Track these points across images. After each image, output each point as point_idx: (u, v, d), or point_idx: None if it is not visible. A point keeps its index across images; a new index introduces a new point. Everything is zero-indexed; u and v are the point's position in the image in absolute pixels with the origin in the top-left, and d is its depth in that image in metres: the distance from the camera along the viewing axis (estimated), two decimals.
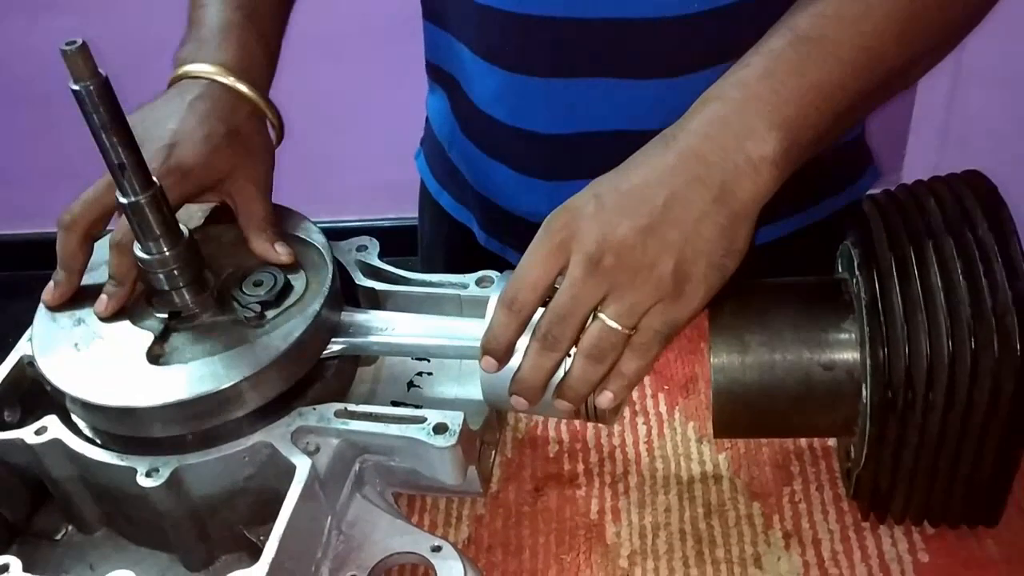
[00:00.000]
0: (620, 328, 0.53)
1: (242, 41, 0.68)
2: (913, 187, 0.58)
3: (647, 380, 0.73)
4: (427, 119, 0.93)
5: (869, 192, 0.62)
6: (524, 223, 0.83)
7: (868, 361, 0.54)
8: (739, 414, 0.58)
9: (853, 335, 0.56)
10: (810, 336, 0.56)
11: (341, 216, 2.05)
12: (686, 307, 0.52)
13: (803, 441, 0.67)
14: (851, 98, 0.54)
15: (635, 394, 0.73)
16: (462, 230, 0.91)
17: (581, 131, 0.76)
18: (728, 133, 0.52)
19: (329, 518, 0.59)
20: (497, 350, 0.56)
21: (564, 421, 0.71)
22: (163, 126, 0.63)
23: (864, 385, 0.55)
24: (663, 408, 0.71)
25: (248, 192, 0.64)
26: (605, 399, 0.55)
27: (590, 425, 0.71)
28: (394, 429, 0.58)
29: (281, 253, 0.63)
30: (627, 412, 0.72)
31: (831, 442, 0.67)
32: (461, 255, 0.92)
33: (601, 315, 0.53)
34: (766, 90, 0.52)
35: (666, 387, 0.73)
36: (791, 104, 0.52)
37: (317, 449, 0.59)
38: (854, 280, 0.57)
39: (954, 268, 0.52)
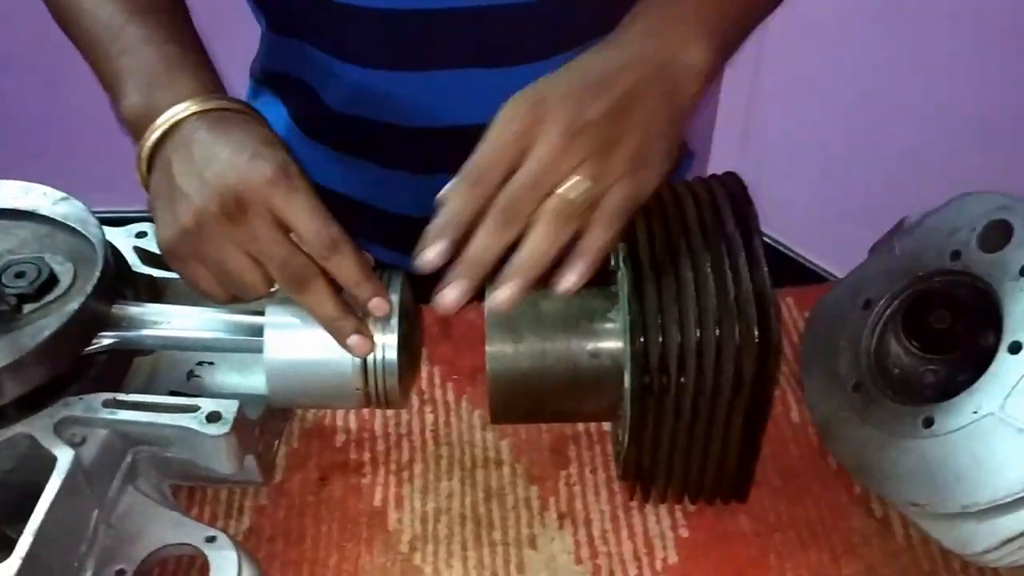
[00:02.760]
0: (587, 197, 0.52)
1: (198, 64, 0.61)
2: (676, 187, 0.62)
3: (436, 370, 0.75)
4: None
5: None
6: (387, 216, 0.83)
7: (629, 349, 0.57)
8: (513, 400, 0.60)
9: (618, 324, 0.59)
10: (579, 326, 0.59)
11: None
12: (645, 185, 0.54)
13: (580, 426, 0.71)
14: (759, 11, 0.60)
15: (424, 383, 0.74)
16: (340, 201, 0.89)
17: (451, 123, 0.77)
18: (665, 43, 0.56)
19: (96, 511, 0.57)
20: (455, 229, 0.52)
21: (353, 411, 0.72)
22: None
23: (626, 371, 0.58)
24: (451, 397, 0.73)
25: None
26: (569, 280, 0.53)
27: (378, 414, 0.71)
28: (165, 418, 0.57)
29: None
30: (416, 401, 0.73)
31: (606, 427, 0.70)
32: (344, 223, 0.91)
33: (568, 182, 0.52)
34: (692, 4, 0.58)
35: (455, 376, 0.74)
36: (713, 18, 0.58)
37: (83, 440, 0.57)
38: (619, 272, 0.60)
39: (704, 262, 0.56)
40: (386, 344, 0.58)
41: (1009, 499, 0.55)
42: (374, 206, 0.85)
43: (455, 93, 0.76)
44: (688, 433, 0.58)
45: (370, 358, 0.58)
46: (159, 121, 0.56)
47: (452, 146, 0.76)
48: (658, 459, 0.60)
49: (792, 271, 1.82)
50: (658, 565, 0.62)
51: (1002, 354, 0.58)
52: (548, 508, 0.66)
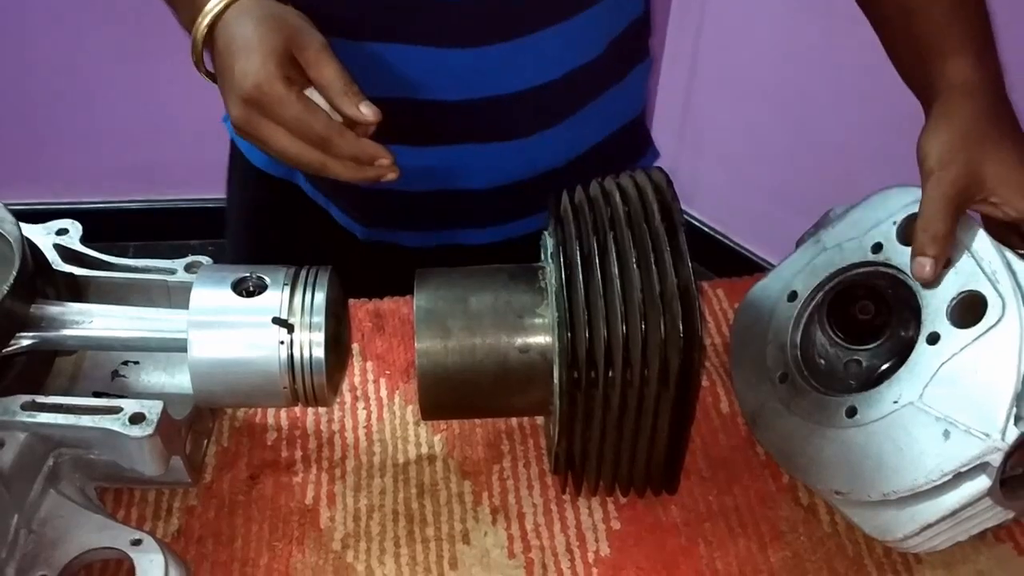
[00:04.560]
0: None
1: None
2: (604, 183, 0.62)
3: (369, 366, 0.74)
4: None
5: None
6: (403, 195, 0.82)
7: (557, 344, 0.57)
8: (443, 396, 0.60)
9: (547, 320, 0.59)
10: (507, 321, 0.59)
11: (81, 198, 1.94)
12: None
13: (514, 421, 0.71)
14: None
15: (357, 379, 0.73)
16: (282, 187, 0.89)
17: (404, 96, 0.75)
18: None
19: (16, 516, 0.56)
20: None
21: (284, 410, 0.71)
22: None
23: (555, 366, 0.58)
24: (384, 393, 0.73)
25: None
26: None
27: (310, 411, 0.71)
28: (87, 420, 0.56)
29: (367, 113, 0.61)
30: (348, 397, 0.72)
31: (540, 421, 0.71)
32: (286, 213, 0.90)
33: None
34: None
35: (388, 372, 0.74)
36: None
37: (1, 444, 0.55)
38: (548, 268, 0.60)
39: (630, 257, 0.56)
40: (313, 342, 0.58)
41: (927, 486, 0.56)
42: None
43: (403, 69, 0.74)
44: (617, 426, 0.58)
45: (296, 356, 0.57)
46: (207, 8, 0.63)
47: (400, 119, 0.74)
48: (588, 452, 0.60)
49: (728, 259, 1.84)
50: (590, 557, 0.63)
51: (921, 345, 0.59)
52: (481, 503, 0.66)
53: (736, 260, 1.84)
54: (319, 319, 0.58)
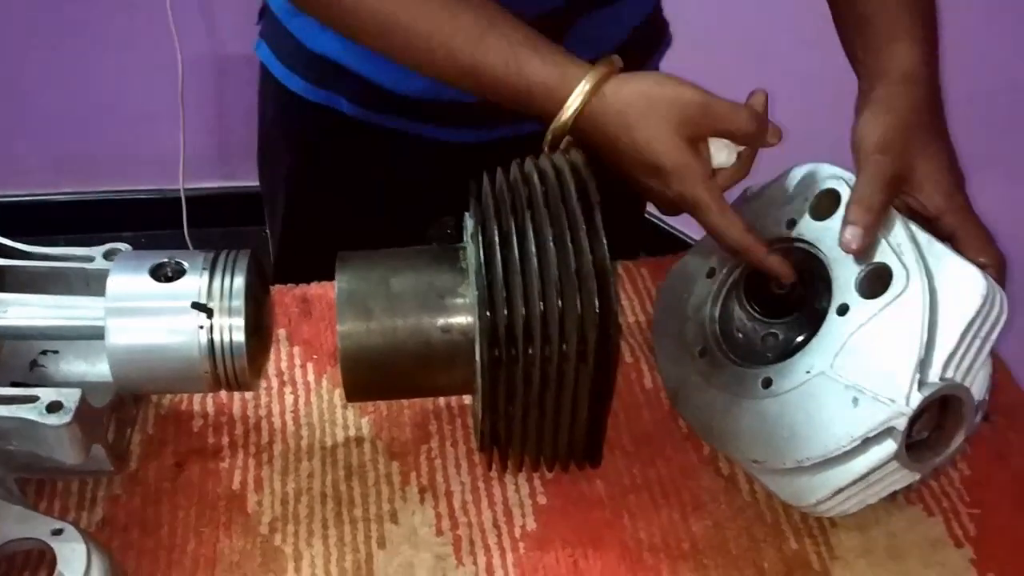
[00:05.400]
0: None
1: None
2: (524, 164, 0.63)
3: (296, 350, 0.75)
4: (271, 12, 0.88)
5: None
6: (412, 100, 0.81)
7: (478, 323, 0.58)
8: (366, 377, 0.61)
9: (468, 299, 0.60)
10: (429, 301, 0.60)
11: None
12: None
13: (442, 401, 0.71)
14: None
15: (284, 364, 0.73)
16: (319, 110, 0.86)
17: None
18: None
19: None
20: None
21: (210, 396, 0.71)
22: None
23: (476, 345, 0.59)
24: (311, 377, 0.73)
25: None
26: None
27: (236, 397, 0.71)
28: (3, 411, 0.55)
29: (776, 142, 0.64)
30: (275, 382, 0.72)
31: (467, 400, 0.72)
32: (321, 136, 0.88)
33: None
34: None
35: (315, 356, 0.74)
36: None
37: None
38: (468, 248, 0.61)
39: (548, 236, 0.57)
40: (233, 326, 0.58)
41: (837, 452, 0.58)
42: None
43: None
44: (539, 402, 0.59)
45: (217, 340, 0.57)
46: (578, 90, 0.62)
47: None
48: (513, 428, 0.61)
49: (657, 237, 1.85)
50: (517, 532, 0.64)
51: (831, 316, 0.61)
52: (409, 483, 0.67)
53: (663, 238, 1.85)
54: (239, 303, 0.58)
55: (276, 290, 0.79)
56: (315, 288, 0.79)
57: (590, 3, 0.79)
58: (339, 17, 0.68)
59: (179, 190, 1.90)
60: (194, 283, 0.58)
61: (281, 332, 0.76)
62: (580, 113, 0.62)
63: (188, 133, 1.85)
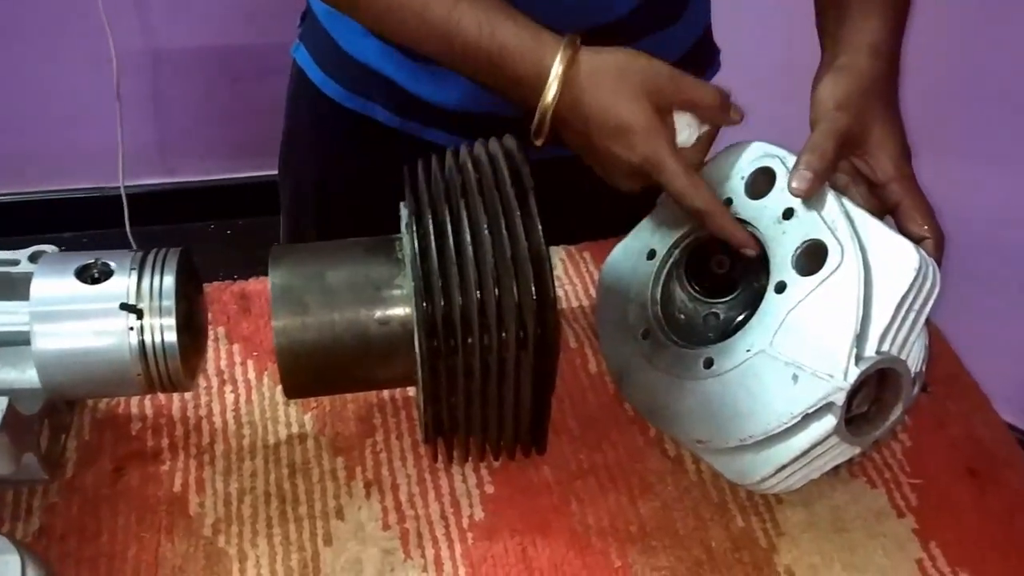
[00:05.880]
0: None
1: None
2: (458, 151, 0.62)
3: (236, 348, 0.73)
4: (312, 15, 0.87)
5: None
6: (448, 111, 0.82)
7: (415, 314, 0.57)
8: (305, 373, 0.60)
9: (405, 291, 0.59)
10: (365, 294, 0.59)
11: None
12: None
13: (386, 394, 0.71)
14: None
15: (223, 362, 0.72)
16: (353, 117, 0.86)
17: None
18: None
19: None
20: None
21: (148, 397, 0.69)
22: None
23: (415, 336, 0.58)
24: (252, 374, 0.72)
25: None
26: None
27: (175, 398, 0.69)
28: None
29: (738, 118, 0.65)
30: (215, 381, 0.71)
31: (411, 392, 0.71)
32: (353, 143, 0.88)
33: None
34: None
35: (255, 353, 0.73)
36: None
37: None
38: (404, 239, 0.60)
39: (483, 224, 0.56)
40: (164, 326, 0.56)
41: (779, 429, 0.58)
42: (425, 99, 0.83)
43: None
44: (481, 391, 0.59)
45: (148, 341, 0.56)
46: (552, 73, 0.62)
47: None
48: (456, 419, 0.61)
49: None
50: (464, 523, 0.63)
51: (770, 294, 0.61)
52: (355, 478, 0.66)
53: None
54: (169, 302, 0.56)
55: (213, 287, 0.77)
56: (253, 284, 0.78)
57: (647, 26, 0.79)
58: None
59: (119, 188, 1.86)
60: (122, 284, 0.57)
61: (220, 330, 0.75)
62: (565, 84, 0.62)
63: (126, 129, 1.82)
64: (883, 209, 0.64)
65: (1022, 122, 1.35)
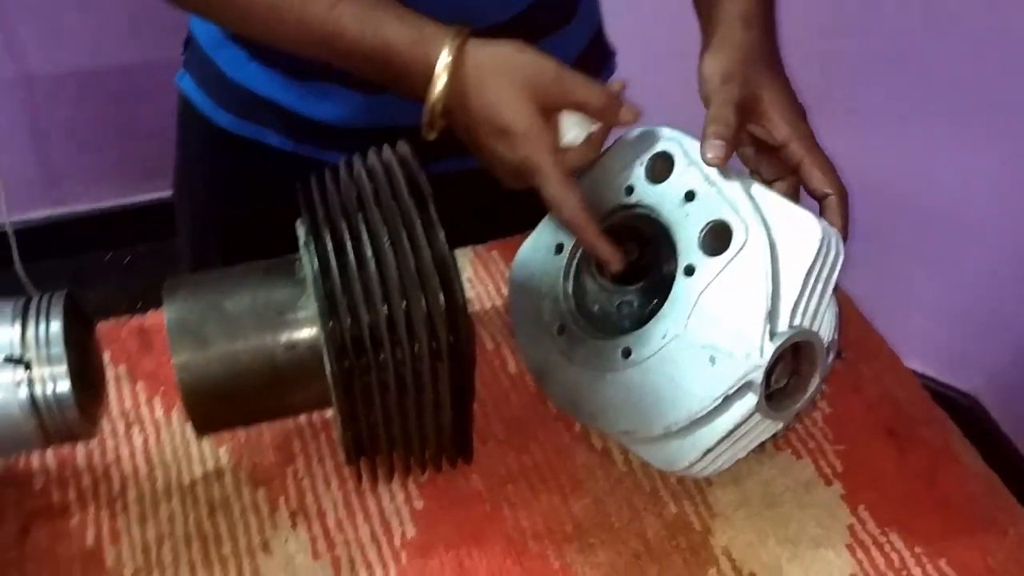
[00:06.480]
0: None
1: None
2: (351, 163, 0.60)
3: (140, 386, 0.70)
4: (195, 43, 0.84)
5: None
6: (341, 129, 0.79)
7: (323, 335, 0.55)
8: (213, 408, 0.57)
9: (309, 312, 0.57)
10: (268, 320, 0.57)
11: None
12: None
13: (303, 419, 0.68)
14: None
15: (128, 403, 0.69)
16: (247, 144, 0.83)
17: None
18: None
19: None
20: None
21: (49, 451, 0.65)
22: None
23: (325, 358, 0.56)
24: (159, 413, 0.69)
25: None
26: None
27: (80, 447, 0.66)
28: None
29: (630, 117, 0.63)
30: (121, 424, 0.68)
31: (330, 413, 0.69)
32: (248, 171, 0.85)
33: None
34: None
35: (161, 390, 0.70)
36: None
37: None
38: (303, 258, 0.58)
39: (383, 236, 0.54)
40: (55, 375, 0.53)
41: (702, 413, 0.58)
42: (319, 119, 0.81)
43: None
44: (399, 406, 0.57)
45: (39, 394, 0.53)
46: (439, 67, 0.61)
47: None
48: (377, 437, 0.59)
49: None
50: (397, 542, 0.62)
51: (680, 278, 0.61)
52: (278, 508, 0.63)
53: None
54: (58, 350, 0.53)
55: (110, 325, 0.74)
56: (152, 317, 0.75)
57: (536, 30, 0.77)
58: None
59: (4, 224, 1.77)
60: (5, 335, 0.53)
61: (121, 368, 0.71)
62: (453, 75, 0.61)
63: (4, 161, 1.73)
64: (786, 171, 0.65)
65: (920, 86, 1.39)
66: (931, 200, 1.44)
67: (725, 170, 0.61)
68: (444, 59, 0.61)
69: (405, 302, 0.54)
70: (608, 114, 0.63)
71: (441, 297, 0.53)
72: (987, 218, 1.44)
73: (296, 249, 0.61)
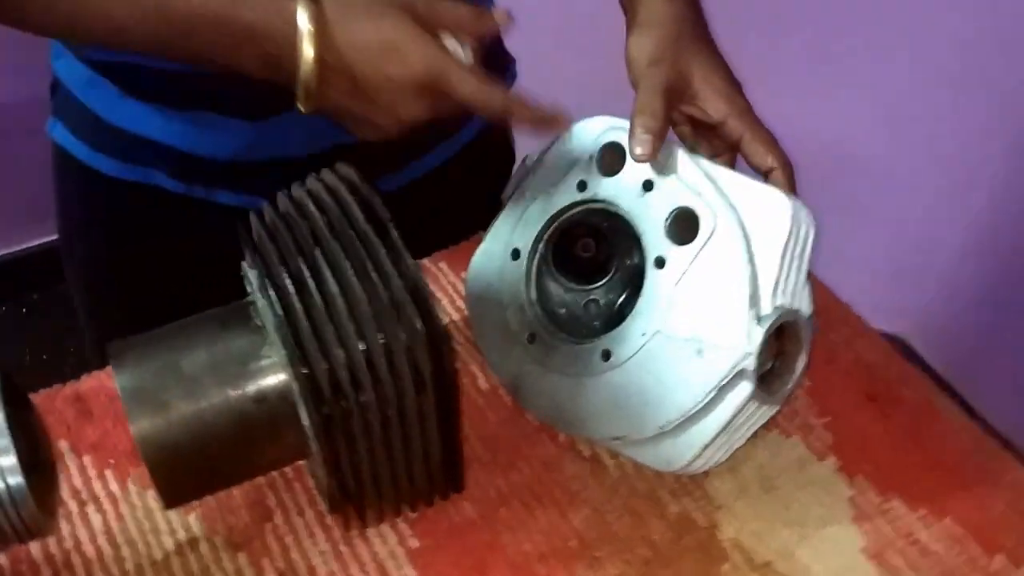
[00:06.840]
0: None
1: None
2: (294, 193, 0.56)
3: (87, 460, 0.65)
4: (63, 86, 0.78)
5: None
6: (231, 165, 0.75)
7: (295, 383, 0.51)
8: (183, 478, 0.53)
9: (275, 358, 0.53)
10: (230, 373, 0.53)
11: None
12: None
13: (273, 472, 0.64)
14: None
15: (77, 481, 0.63)
16: (135, 190, 0.77)
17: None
18: None
19: None
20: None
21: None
22: None
23: (300, 407, 0.52)
24: (114, 486, 0.63)
25: None
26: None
27: (33, 543, 0.60)
28: None
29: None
30: (73, 505, 0.62)
31: (302, 461, 0.65)
32: (137, 217, 0.79)
33: None
34: None
35: (111, 460, 0.65)
36: None
37: None
38: (260, 303, 0.54)
39: (346, 269, 0.51)
40: (5, 469, 0.48)
41: (696, 408, 0.56)
42: (208, 156, 0.75)
43: None
44: (385, 446, 0.54)
45: None
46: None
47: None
48: (363, 481, 0.55)
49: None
50: None
51: (651, 271, 0.59)
52: (264, 571, 0.59)
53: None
54: (5, 441, 0.48)
55: (42, 396, 0.68)
56: (87, 382, 0.69)
57: None
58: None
59: None
60: None
61: (62, 444, 0.65)
62: (318, 19, 0.56)
63: None
64: (725, 148, 0.63)
65: (841, 49, 1.41)
66: (852, 150, 1.47)
67: (674, 152, 0.59)
68: (302, 14, 0.56)
69: (382, 336, 0.50)
70: (480, 25, 0.60)
71: (420, 325, 0.50)
72: (907, 166, 1.47)
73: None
